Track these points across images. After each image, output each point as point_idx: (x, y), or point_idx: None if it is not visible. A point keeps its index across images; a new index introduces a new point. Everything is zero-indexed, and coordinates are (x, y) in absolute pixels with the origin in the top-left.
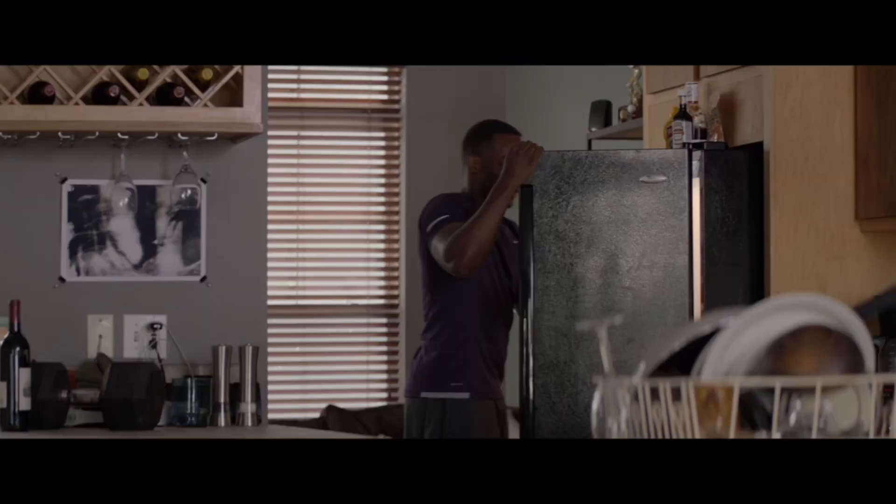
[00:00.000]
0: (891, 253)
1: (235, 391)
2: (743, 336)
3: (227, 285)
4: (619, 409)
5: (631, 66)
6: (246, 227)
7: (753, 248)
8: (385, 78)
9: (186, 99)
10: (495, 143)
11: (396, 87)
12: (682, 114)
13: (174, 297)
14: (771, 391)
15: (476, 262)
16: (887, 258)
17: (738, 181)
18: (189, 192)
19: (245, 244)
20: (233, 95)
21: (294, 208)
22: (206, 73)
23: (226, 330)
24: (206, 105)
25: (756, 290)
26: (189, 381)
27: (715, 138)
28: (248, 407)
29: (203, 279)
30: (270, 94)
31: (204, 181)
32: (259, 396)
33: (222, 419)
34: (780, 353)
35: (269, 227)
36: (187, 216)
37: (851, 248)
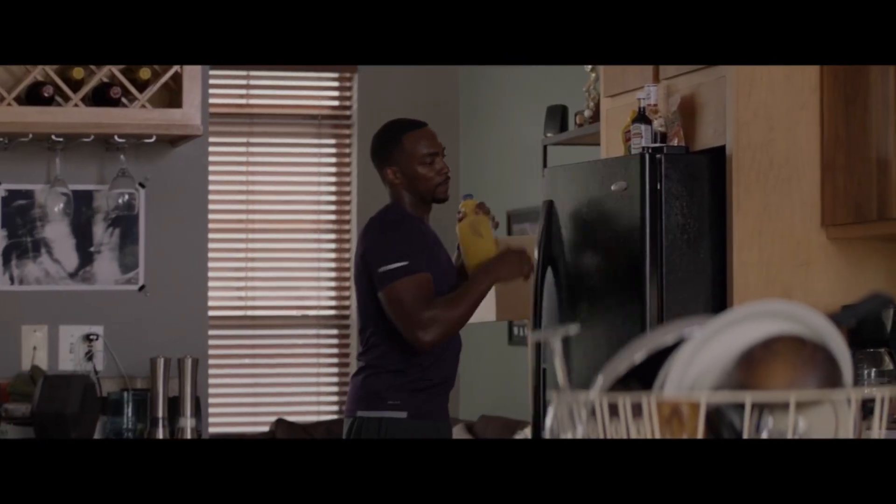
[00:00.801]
0: (858, 260)
1: (174, 405)
2: (710, 347)
3: (166, 294)
4: (575, 425)
5: (588, 70)
6: (186, 233)
7: (715, 255)
8: (336, 84)
9: (124, 100)
10: (406, 145)
11: (347, 93)
12: (641, 117)
13: (111, 307)
14: (741, 407)
15: (439, 344)
16: (855, 266)
17: (700, 186)
18: (126, 197)
19: (185, 251)
20: (172, 96)
21: (243, 217)
22: (144, 73)
23: (165, 341)
24: (143, 106)
25: (718, 298)
26: (126, 394)
27: (675, 142)
28: (187, 422)
29: (141, 288)
30: (219, 101)
31: (142, 186)
32: (199, 410)
33: (160, 434)
34: (750, 366)
35: (218, 236)
36: (125, 222)
37: (817, 256)
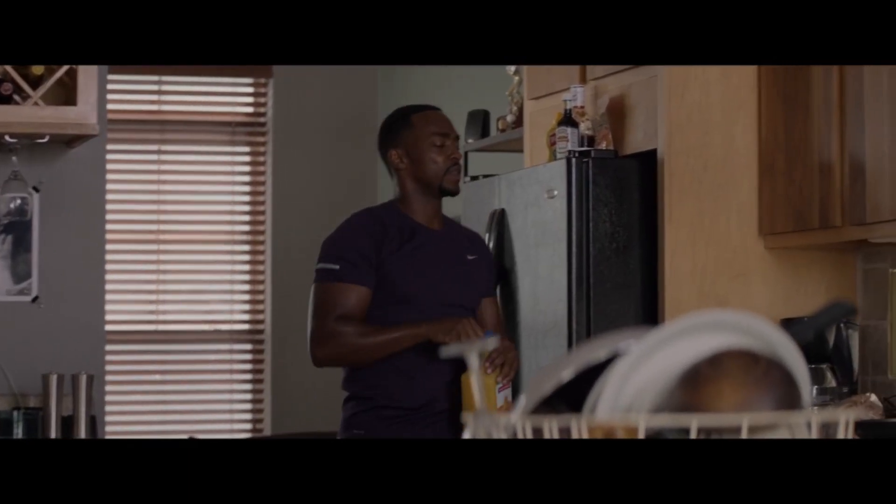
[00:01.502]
0: (798, 270)
1: (68, 424)
2: (649, 363)
3: (61, 306)
4: None
5: (511, 72)
6: (83, 241)
7: (646, 265)
8: (251, 90)
9: (16, 97)
10: (415, 123)
11: (262, 100)
12: (567, 120)
13: (2, 320)
14: (685, 432)
15: (329, 364)
16: (795, 276)
17: (629, 192)
18: (19, 201)
19: (82, 260)
20: (67, 94)
21: (154, 227)
22: (37, 69)
23: (59, 356)
24: (36, 104)
25: (649, 311)
26: (16, 413)
27: (604, 146)
28: None
29: (35, 299)
30: (130, 107)
31: (36, 190)
32: (95, 430)
33: None
34: (695, 385)
35: (128, 246)
36: (17, 229)
37: (755, 266)
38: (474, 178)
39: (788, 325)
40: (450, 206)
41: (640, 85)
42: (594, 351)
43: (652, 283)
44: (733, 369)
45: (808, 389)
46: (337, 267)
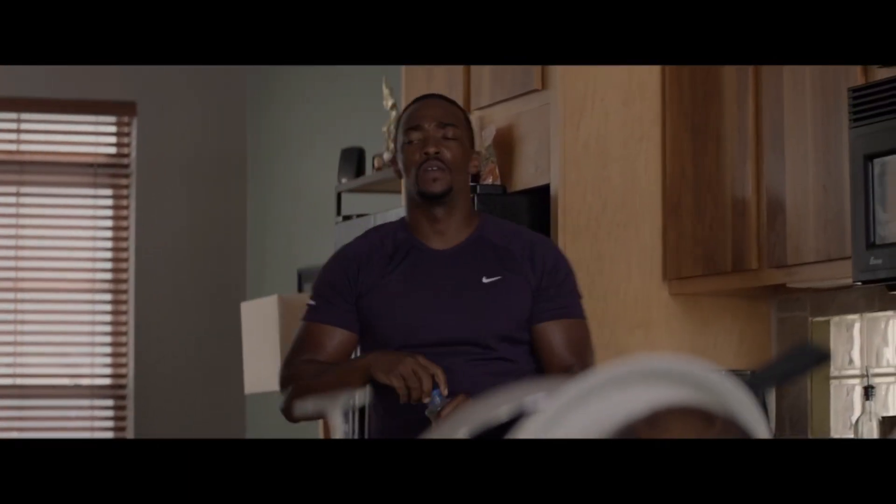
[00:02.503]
0: (707, 319)
1: None
2: (565, 424)
3: None
4: None
5: (388, 106)
6: None
7: None
8: (113, 128)
9: None
10: (401, 120)
11: (126, 140)
12: None
13: None
14: None
15: (288, 412)
16: (702, 326)
17: None
18: None
19: None
20: None
21: (12, 275)
22: None
23: None
24: None
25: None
26: None
27: (490, 181)
28: None
29: None
30: None
31: None
32: None
33: None
34: None
35: None
36: None
37: (658, 315)
38: (346, 217)
39: (749, 375)
40: (320, 253)
41: (531, 114)
42: (493, 409)
43: None
44: (679, 431)
45: None
46: (314, 303)
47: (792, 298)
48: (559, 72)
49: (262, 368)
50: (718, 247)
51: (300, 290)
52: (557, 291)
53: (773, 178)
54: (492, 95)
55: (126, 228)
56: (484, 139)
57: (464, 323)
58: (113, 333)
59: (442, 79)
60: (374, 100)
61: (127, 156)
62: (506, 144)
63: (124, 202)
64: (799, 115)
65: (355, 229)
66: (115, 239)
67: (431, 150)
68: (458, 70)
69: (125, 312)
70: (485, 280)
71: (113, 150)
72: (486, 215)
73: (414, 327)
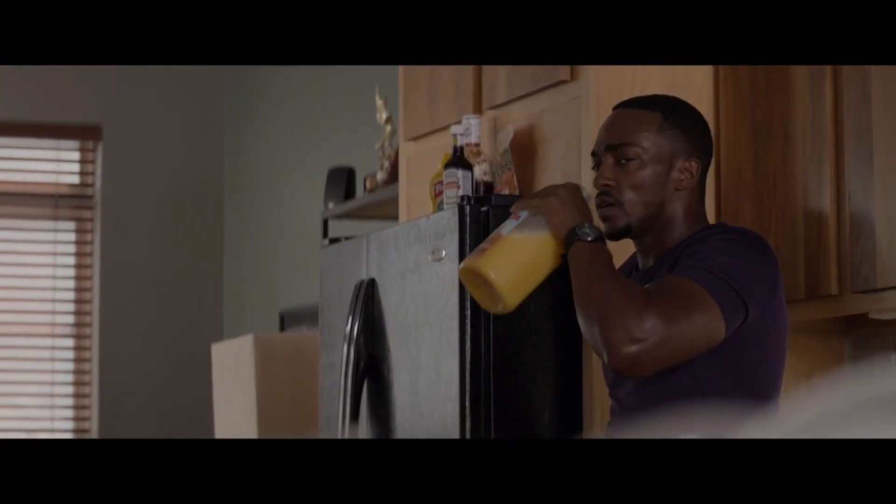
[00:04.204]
0: None
1: None
2: None
3: None
4: None
5: (382, 120)
6: None
7: (567, 345)
8: (77, 156)
9: None
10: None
11: (90, 168)
12: (458, 160)
13: None
14: None
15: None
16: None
17: None
18: None
19: None
20: None
21: None
22: None
23: None
24: None
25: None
26: None
27: (506, 191)
28: None
29: None
30: None
31: None
32: None
33: None
34: None
35: None
36: None
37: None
38: (334, 240)
39: None
40: (305, 293)
41: (558, 110)
42: None
43: (576, 368)
44: None
45: None
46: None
47: (871, 333)
48: None
49: (233, 416)
50: (787, 268)
51: (282, 331)
52: (684, 264)
53: (857, 185)
54: (509, 91)
55: (90, 266)
56: (500, 142)
57: None
58: (75, 384)
59: (447, 77)
60: (365, 112)
61: (91, 185)
62: (525, 148)
63: (88, 237)
64: (890, 111)
65: (344, 253)
66: (77, 278)
67: (600, 182)
68: (466, 66)
69: (88, 360)
70: None
71: (76, 178)
72: (708, 226)
73: None
